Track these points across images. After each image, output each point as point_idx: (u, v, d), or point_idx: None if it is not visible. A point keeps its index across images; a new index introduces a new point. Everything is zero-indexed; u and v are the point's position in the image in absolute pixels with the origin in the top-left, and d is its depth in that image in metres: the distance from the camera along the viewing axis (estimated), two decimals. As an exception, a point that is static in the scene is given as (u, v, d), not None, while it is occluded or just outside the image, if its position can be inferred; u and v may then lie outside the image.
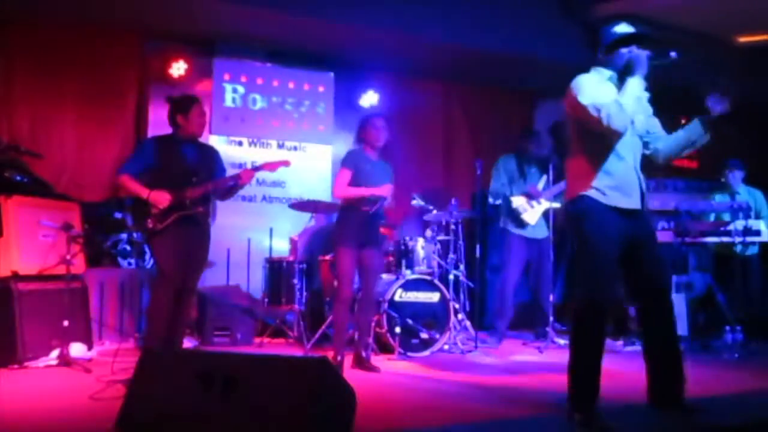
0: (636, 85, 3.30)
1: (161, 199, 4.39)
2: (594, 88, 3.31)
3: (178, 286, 4.45)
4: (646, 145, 3.52)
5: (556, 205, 6.32)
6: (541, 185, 6.24)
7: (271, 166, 4.75)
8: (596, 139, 3.32)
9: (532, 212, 6.19)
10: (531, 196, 6.18)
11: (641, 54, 3.34)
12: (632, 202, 3.35)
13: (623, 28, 3.44)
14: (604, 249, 3.28)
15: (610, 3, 7.10)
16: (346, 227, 4.85)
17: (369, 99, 7.50)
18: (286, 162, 4.82)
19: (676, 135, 3.50)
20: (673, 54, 3.34)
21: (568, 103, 3.36)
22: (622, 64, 3.37)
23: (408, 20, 6.58)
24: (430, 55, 7.25)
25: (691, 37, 7.15)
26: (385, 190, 4.84)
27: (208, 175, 4.60)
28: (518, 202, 6.18)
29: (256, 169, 4.71)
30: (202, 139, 4.78)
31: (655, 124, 3.55)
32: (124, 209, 4.53)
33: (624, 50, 3.38)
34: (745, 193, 6.45)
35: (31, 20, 6.15)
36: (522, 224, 6.19)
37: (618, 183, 3.32)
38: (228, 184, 4.65)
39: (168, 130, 4.62)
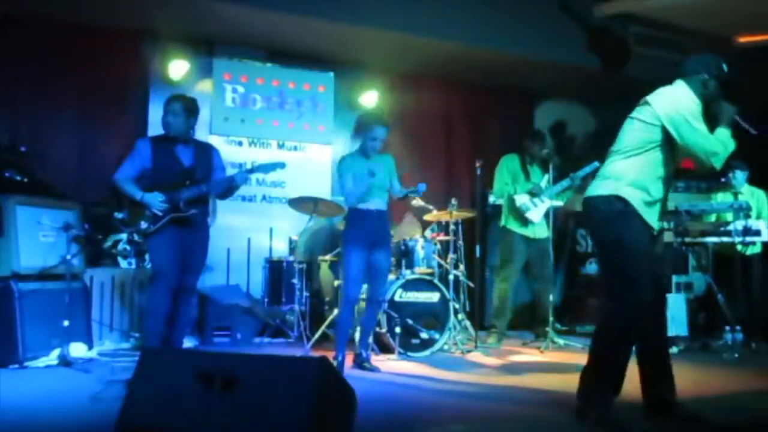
0: (732, 140, 3.31)
1: (154, 202, 4.40)
2: (701, 118, 3.32)
3: (176, 286, 4.46)
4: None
5: (559, 203, 6.32)
6: (543, 184, 6.25)
7: (266, 170, 4.78)
8: (667, 157, 3.33)
9: (536, 210, 6.19)
10: (534, 194, 6.18)
11: (732, 110, 3.35)
12: (655, 223, 3.38)
13: (727, 70, 3.42)
14: (644, 252, 3.29)
15: (610, 3, 7.11)
16: (354, 227, 4.84)
17: (369, 99, 7.50)
18: (282, 164, 4.82)
19: None
20: (753, 131, 3.38)
21: (670, 116, 3.28)
22: (714, 105, 3.37)
23: (408, 20, 6.58)
24: (430, 56, 7.25)
25: (690, 37, 7.15)
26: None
27: (204, 175, 4.59)
28: (522, 200, 6.18)
29: (250, 171, 4.71)
30: (202, 138, 4.78)
31: None
32: (124, 209, 4.54)
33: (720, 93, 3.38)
34: (748, 194, 6.45)
35: (32, 20, 6.15)
36: (525, 223, 6.19)
37: (653, 202, 3.34)
38: (222, 188, 4.65)
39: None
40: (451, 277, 6.01)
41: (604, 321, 3.40)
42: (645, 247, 3.29)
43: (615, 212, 3.29)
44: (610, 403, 3.26)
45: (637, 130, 3.37)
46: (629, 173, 3.32)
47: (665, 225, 5.98)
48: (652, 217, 3.35)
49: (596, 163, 5.95)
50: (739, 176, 6.46)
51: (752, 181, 6.55)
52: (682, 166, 3.52)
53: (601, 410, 3.23)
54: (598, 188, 3.38)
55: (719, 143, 3.27)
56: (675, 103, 3.32)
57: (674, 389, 3.40)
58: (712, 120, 3.37)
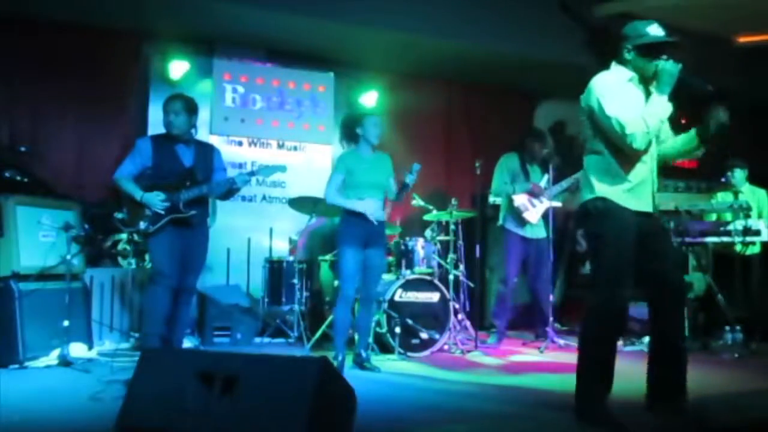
0: (664, 105, 3.19)
1: (154, 201, 4.40)
2: (619, 96, 3.21)
3: (176, 286, 4.46)
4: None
5: (557, 204, 6.32)
6: (543, 184, 6.24)
7: (267, 172, 4.80)
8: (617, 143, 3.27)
9: (534, 211, 6.18)
10: (534, 194, 6.17)
11: (673, 67, 3.19)
12: (646, 206, 3.35)
13: (657, 30, 3.28)
14: (622, 249, 3.26)
15: (610, 3, 7.11)
16: (350, 227, 4.83)
17: (369, 99, 7.50)
18: (282, 167, 4.84)
19: (675, 142, 3.47)
20: (709, 87, 3.17)
21: (588, 103, 3.28)
22: (650, 71, 3.26)
23: (408, 20, 6.57)
24: (430, 55, 7.24)
25: (690, 37, 7.16)
26: (369, 207, 4.77)
27: (204, 176, 4.59)
28: (520, 200, 6.17)
29: (251, 174, 4.72)
30: (202, 138, 4.78)
31: (665, 129, 3.49)
32: (123, 209, 4.55)
33: (655, 57, 3.24)
34: (749, 193, 6.44)
35: (32, 20, 6.15)
36: (522, 223, 6.19)
37: (635, 186, 3.30)
38: (223, 189, 4.65)
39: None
40: (451, 277, 6.00)
41: (585, 318, 3.41)
42: (625, 244, 3.26)
43: (598, 212, 3.30)
44: (603, 401, 3.25)
45: (585, 126, 3.37)
46: (600, 169, 3.32)
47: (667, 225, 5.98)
48: (640, 201, 3.31)
49: None
50: (738, 175, 6.46)
51: (752, 180, 6.56)
52: (684, 166, 3.50)
53: (595, 409, 3.23)
54: (583, 193, 3.40)
55: (637, 121, 3.14)
56: (591, 88, 3.29)
57: (685, 393, 3.36)
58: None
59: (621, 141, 3.19)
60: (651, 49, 3.27)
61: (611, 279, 3.27)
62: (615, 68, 3.38)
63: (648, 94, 3.31)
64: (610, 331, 3.32)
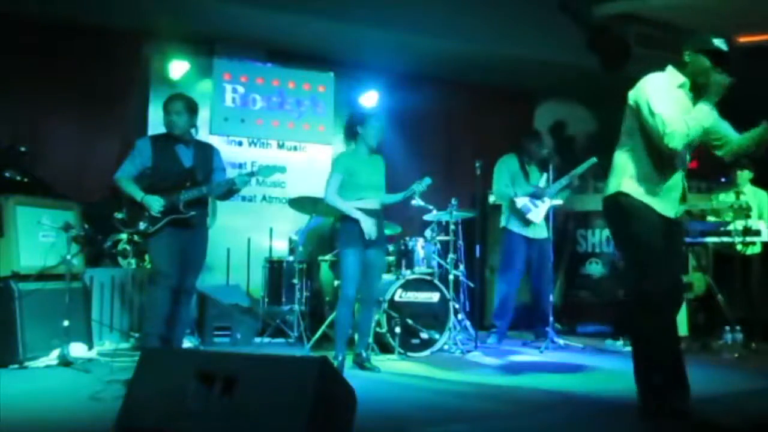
0: (707, 114, 3.27)
1: (154, 203, 4.40)
2: (668, 97, 3.28)
3: (175, 286, 4.46)
4: (713, 147, 3.52)
5: (559, 201, 6.33)
6: (542, 184, 6.25)
7: (266, 173, 4.82)
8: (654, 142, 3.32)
9: (537, 211, 6.19)
10: (536, 196, 6.18)
11: (724, 80, 3.27)
12: (669, 211, 3.38)
13: (723, 45, 3.36)
14: (650, 240, 3.29)
15: (610, 2, 7.11)
16: (351, 227, 4.82)
17: (369, 99, 7.50)
18: (282, 168, 4.85)
19: (741, 140, 3.48)
20: None
21: (636, 100, 3.34)
22: (703, 78, 3.32)
23: (408, 20, 6.57)
24: (430, 56, 7.25)
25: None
26: (367, 226, 4.74)
27: (204, 176, 4.59)
28: (522, 201, 6.18)
29: (251, 174, 4.72)
30: (202, 138, 4.78)
31: (723, 127, 3.51)
32: (123, 209, 4.55)
33: (713, 65, 3.31)
34: (751, 194, 6.45)
35: (32, 20, 6.15)
36: (526, 223, 6.19)
37: (662, 189, 3.34)
38: (222, 190, 4.65)
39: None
40: (451, 277, 6.00)
41: (634, 314, 3.41)
42: (654, 239, 3.29)
43: (622, 207, 3.34)
44: (664, 398, 3.25)
45: (626, 118, 3.43)
46: (629, 166, 3.37)
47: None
48: (664, 204, 3.34)
49: (594, 159, 5.97)
50: (745, 176, 6.46)
51: (755, 181, 6.55)
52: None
53: (649, 405, 3.26)
54: (608, 187, 3.44)
55: (679, 122, 3.21)
56: (642, 86, 3.35)
57: (688, 397, 3.36)
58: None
59: (660, 139, 3.23)
60: (712, 56, 3.33)
61: (645, 277, 3.28)
62: (669, 71, 3.44)
63: (695, 103, 3.36)
64: (649, 331, 3.31)
